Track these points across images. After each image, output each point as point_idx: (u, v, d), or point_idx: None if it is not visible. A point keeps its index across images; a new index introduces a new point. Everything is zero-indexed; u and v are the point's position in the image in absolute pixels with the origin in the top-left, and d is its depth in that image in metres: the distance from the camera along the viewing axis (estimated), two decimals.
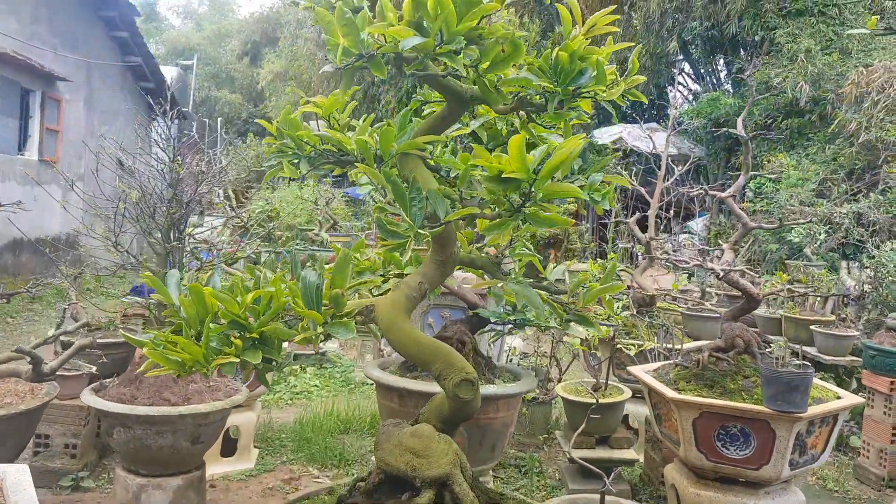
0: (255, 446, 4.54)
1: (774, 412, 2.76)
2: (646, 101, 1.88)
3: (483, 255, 2.08)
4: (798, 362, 3.04)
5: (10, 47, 9.11)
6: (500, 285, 1.80)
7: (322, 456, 4.50)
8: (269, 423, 5.05)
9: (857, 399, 3.05)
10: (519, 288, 1.73)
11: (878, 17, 2.51)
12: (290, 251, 9.94)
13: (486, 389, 3.33)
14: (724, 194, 3.76)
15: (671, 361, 3.78)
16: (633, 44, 1.82)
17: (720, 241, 11.12)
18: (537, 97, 1.77)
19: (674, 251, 11.85)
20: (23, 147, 9.98)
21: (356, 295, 1.95)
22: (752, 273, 4.45)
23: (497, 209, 1.55)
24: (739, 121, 3.84)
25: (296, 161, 2.02)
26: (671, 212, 11.46)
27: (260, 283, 1.73)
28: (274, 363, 1.63)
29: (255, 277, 1.75)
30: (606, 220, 11.07)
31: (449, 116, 1.90)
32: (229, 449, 4.30)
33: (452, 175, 2.21)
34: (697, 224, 13.06)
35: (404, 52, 1.41)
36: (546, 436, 5.07)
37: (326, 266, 1.73)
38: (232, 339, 1.53)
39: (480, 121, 2.15)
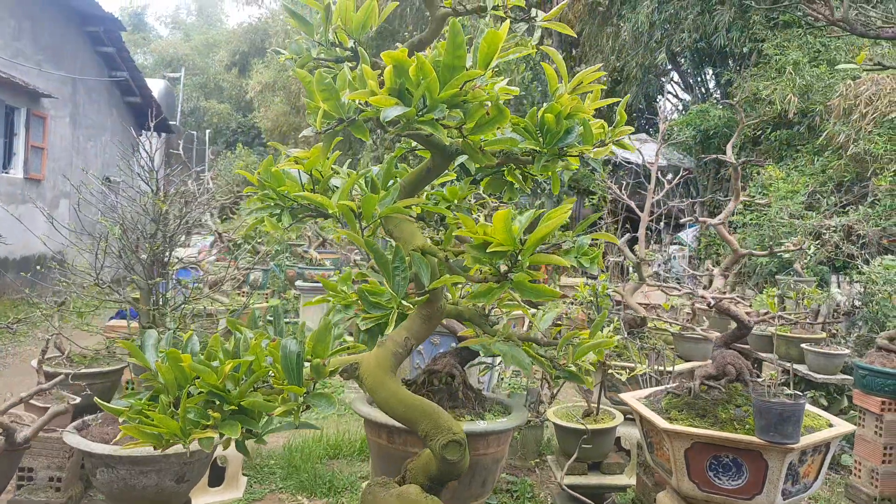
0: (243, 474, 4.47)
1: (767, 443, 2.75)
2: (634, 150, 1.85)
3: (471, 306, 2.03)
4: (789, 392, 3.03)
5: None
6: (488, 344, 1.75)
7: (311, 484, 4.43)
8: (257, 450, 4.98)
9: (848, 427, 3.05)
10: (506, 348, 1.68)
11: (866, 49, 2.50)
12: (279, 265, 9.77)
13: (476, 426, 3.28)
14: (713, 221, 3.73)
15: (662, 388, 3.75)
16: (618, 99, 1.78)
17: (710, 256, 11.14)
18: (524, 154, 1.73)
19: (665, 263, 11.89)
20: (7, 165, 9.87)
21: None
22: (741, 299, 4.42)
23: (483, 273, 1.51)
24: (729, 147, 3.82)
25: (277, 213, 1.97)
26: (661, 223, 11.48)
27: (240, 346, 1.68)
28: (255, 433, 1.57)
29: (234, 340, 1.70)
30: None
31: (434, 169, 1.86)
32: (217, 478, 4.23)
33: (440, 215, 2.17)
34: (688, 235, 13.09)
35: (385, 122, 1.36)
36: (538, 459, 5.02)
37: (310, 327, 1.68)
38: (210, 412, 1.48)
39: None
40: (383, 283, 1.43)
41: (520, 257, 1.41)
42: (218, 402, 1.52)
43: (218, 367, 1.54)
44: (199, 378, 1.50)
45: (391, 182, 1.68)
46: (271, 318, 1.92)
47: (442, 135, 1.37)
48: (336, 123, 1.48)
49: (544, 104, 1.63)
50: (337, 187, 1.60)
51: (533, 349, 1.96)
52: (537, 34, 1.71)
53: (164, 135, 15.63)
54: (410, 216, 2.02)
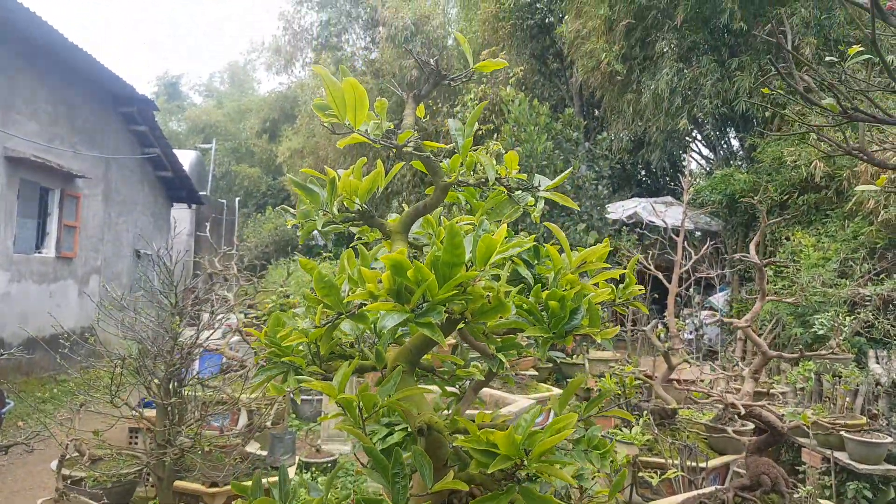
0: None
1: None
2: (646, 310, 1.79)
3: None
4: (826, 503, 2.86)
5: (31, 151, 9.36)
6: None
7: None
8: None
9: None
10: None
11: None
12: None
13: None
14: (741, 323, 3.61)
15: (696, 494, 3.60)
16: (623, 269, 1.74)
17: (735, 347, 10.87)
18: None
19: (697, 330, 11.60)
20: (40, 245, 10.14)
21: None
22: (774, 405, 4.25)
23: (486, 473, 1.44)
24: (752, 246, 3.74)
25: (283, 372, 1.94)
26: (691, 288, 11.26)
27: None
28: None
29: None
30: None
31: (431, 203, 1.82)
32: None
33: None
34: (719, 299, 12.81)
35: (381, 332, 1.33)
36: None
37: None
38: None
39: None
40: (382, 492, 1.38)
41: (525, 462, 1.35)
42: None
43: None
44: None
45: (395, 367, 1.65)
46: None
47: (441, 340, 1.33)
48: (336, 317, 1.46)
49: (550, 282, 1.59)
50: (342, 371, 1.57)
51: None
52: (540, 205, 1.69)
53: (194, 206, 16.01)
54: (419, 367, 1.98)
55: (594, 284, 1.69)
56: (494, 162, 1.63)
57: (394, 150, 1.64)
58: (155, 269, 3.73)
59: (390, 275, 1.37)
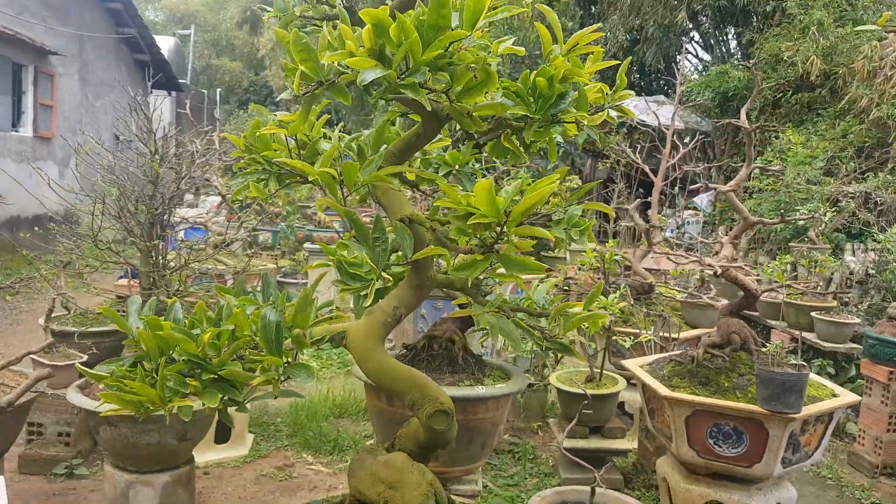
0: (249, 431, 4.54)
1: (768, 412, 2.75)
2: (635, 117, 1.77)
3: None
4: (794, 362, 2.99)
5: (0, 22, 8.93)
6: (476, 316, 1.71)
7: (316, 442, 4.50)
8: (264, 408, 5.06)
9: (853, 397, 3.05)
10: (494, 321, 1.64)
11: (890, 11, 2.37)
12: (289, 226, 9.74)
13: (474, 391, 3.29)
14: (724, 188, 3.62)
15: (666, 355, 3.73)
16: (618, 62, 1.69)
17: (724, 221, 10.98)
18: (516, 120, 1.66)
19: (679, 228, 11.73)
20: (17, 123, 9.85)
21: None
22: (750, 267, 4.34)
23: (468, 244, 1.45)
24: (743, 112, 3.69)
25: (264, 178, 1.92)
26: (676, 188, 11.30)
27: (223, 314, 1.65)
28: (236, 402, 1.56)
29: (218, 308, 1.67)
30: (609, 197, 10.91)
31: (425, 134, 1.79)
32: (223, 435, 4.30)
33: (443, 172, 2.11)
34: (703, 200, 12.88)
35: (363, 85, 1.29)
36: (541, 422, 5.05)
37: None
38: (189, 381, 1.46)
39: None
40: (363, 254, 1.39)
41: (505, 229, 1.35)
42: (197, 373, 1.50)
43: (198, 335, 1.52)
44: (176, 349, 1.48)
45: (382, 147, 1.61)
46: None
47: (424, 100, 1.30)
48: (315, 86, 1.42)
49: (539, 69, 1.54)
50: (326, 151, 1.55)
51: (525, 320, 1.92)
52: None
53: (173, 93, 15.53)
54: (404, 182, 1.96)
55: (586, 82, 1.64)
56: None
57: None
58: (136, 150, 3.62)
59: (371, 33, 1.31)
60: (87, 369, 1.61)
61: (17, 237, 9.48)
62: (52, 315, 4.22)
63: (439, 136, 2.04)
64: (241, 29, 26.95)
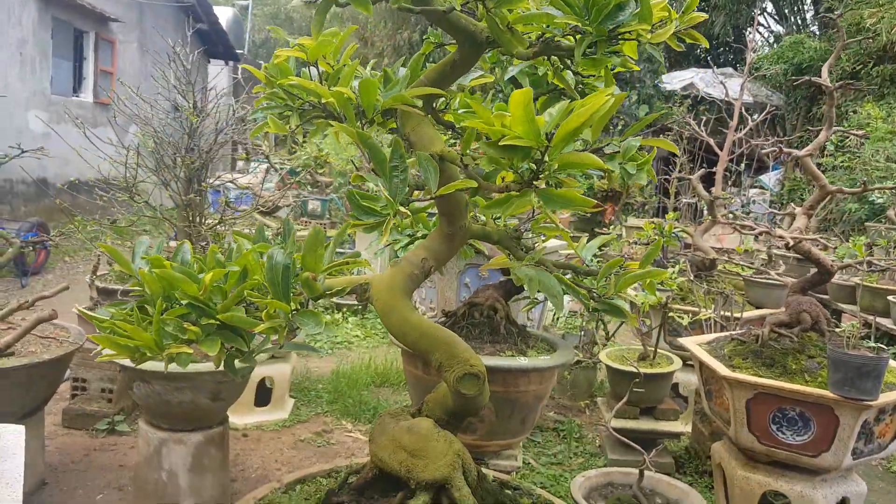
0: (290, 396, 4.49)
1: (840, 398, 2.47)
2: (706, 43, 1.50)
3: (501, 226, 1.78)
4: (873, 345, 2.68)
5: None
6: (514, 269, 1.50)
7: (356, 410, 4.43)
8: (306, 374, 5.02)
9: None
10: (534, 273, 1.43)
11: None
12: (341, 197, 9.66)
13: (516, 362, 3.09)
14: (800, 153, 3.28)
15: (727, 334, 3.44)
16: None
17: (793, 201, 10.37)
18: (567, 38, 1.42)
19: (743, 206, 11.15)
20: (78, 89, 10.05)
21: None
22: (824, 241, 3.97)
23: (504, 180, 1.25)
24: (825, 68, 3.32)
25: (287, 114, 1.75)
26: (742, 164, 10.70)
27: (232, 257, 1.50)
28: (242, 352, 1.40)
29: (229, 250, 1.51)
30: (670, 172, 10.44)
31: (461, 62, 1.57)
32: (264, 398, 4.25)
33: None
34: (770, 178, 12.20)
35: None
36: (589, 401, 4.83)
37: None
38: (187, 326, 1.31)
39: (520, 66, 1.81)
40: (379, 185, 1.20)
41: (546, 157, 1.14)
42: (198, 318, 1.35)
43: (201, 277, 1.37)
44: (177, 292, 1.33)
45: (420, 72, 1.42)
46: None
47: (454, 1, 1.09)
48: None
49: None
50: (346, 71, 1.36)
51: (571, 278, 1.70)
52: None
53: (231, 63, 15.65)
54: (438, 122, 1.76)
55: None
56: None
57: None
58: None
59: None
60: (87, 312, 1.49)
61: (77, 201, 9.74)
62: (98, 273, 4.23)
63: (481, 71, 1.82)
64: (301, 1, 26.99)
